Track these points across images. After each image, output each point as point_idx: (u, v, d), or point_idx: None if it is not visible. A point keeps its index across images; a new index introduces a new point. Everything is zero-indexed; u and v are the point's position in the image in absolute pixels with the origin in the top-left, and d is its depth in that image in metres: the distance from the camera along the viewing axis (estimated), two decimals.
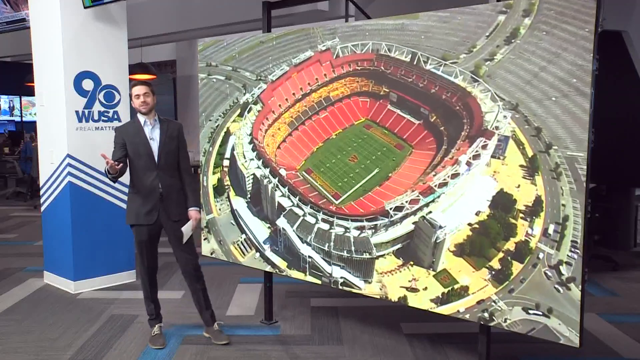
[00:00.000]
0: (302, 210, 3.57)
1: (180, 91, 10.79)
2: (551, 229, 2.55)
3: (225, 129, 4.08)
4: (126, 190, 5.02)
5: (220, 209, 4.13)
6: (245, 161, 3.93)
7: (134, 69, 9.07)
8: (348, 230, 3.33)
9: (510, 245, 2.67)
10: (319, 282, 3.53)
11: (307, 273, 3.59)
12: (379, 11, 5.84)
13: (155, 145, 3.66)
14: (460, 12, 2.81)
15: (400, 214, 3.07)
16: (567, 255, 2.51)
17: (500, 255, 2.70)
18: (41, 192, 5.14)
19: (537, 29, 2.53)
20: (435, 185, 2.91)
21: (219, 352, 3.63)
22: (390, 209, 3.11)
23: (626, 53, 4.90)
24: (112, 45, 5.00)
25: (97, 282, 4.95)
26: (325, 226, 3.45)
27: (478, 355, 3.09)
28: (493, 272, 2.74)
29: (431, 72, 2.92)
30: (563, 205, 2.51)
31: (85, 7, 4.74)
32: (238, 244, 4.03)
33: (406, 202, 3.04)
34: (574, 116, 2.46)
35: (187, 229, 3.64)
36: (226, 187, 4.09)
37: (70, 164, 4.78)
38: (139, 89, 3.63)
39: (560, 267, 2.54)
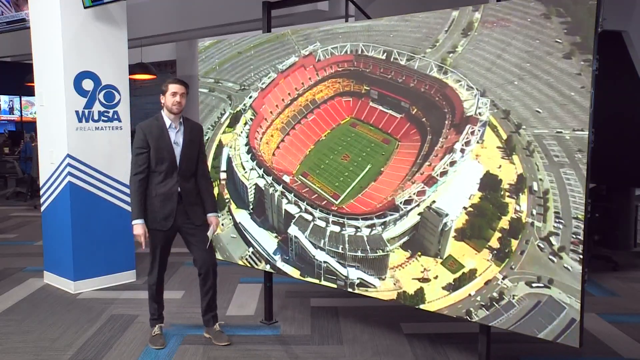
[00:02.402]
0: (312, 215, 3.57)
1: None
2: (535, 203, 2.67)
3: (216, 142, 4.09)
4: (126, 190, 5.05)
5: (223, 224, 4.11)
6: (246, 172, 3.92)
7: (134, 69, 9.08)
8: (359, 230, 3.34)
9: (504, 223, 2.77)
10: (335, 286, 3.50)
11: (322, 278, 3.57)
12: (379, 11, 5.84)
13: (178, 150, 3.56)
14: (420, 13, 3.05)
15: (409, 207, 3.10)
16: (553, 226, 2.62)
17: (498, 234, 2.79)
18: (41, 192, 5.14)
19: (487, 22, 2.76)
20: (437, 175, 2.99)
21: (219, 352, 3.63)
22: (400, 202, 3.14)
23: (626, 53, 4.90)
24: (112, 45, 5.00)
25: (97, 282, 4.95)
26: (337, 228, 3.45)
27: (478, 355, 3.09)
28: (494, 252, 2.81)
29: (408, 67, 3.07)
30: (540, 179, 2.65)
31: (85, 7, 4.74)
32: (246, 259, 4.00)
33: (414, 194, 3.08)
34: (532, 97, 2.64)
35: (210, 234, 3.67)
36: (226, 200, 4.08)
37: (70, 164, 4.78)
38: (177, 87, 3.50)
39: (550, 238, 2.63)
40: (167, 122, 3.56)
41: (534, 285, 2.69)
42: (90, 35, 4.85)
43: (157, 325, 3.82)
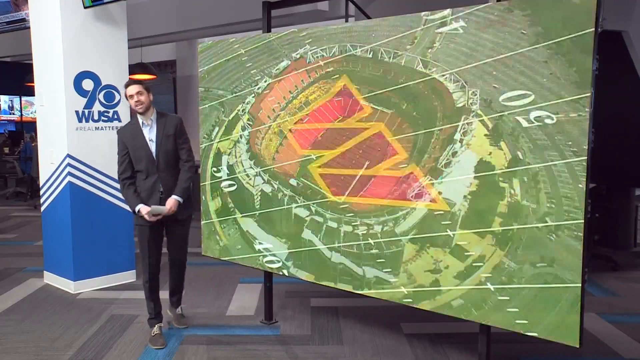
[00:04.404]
0: (322, 216, 3.54)
1: (180, 91, 10.80)
2: (527, 185, 2.75)
3: (214, 151, 4.10)
4: None
5: (229, 234, 4.09)
6: (250, 179, 3.91)
7: (134, 69, 9.07)
8: (371, 227, 3.34)
9: (502, 208, 2.83)
10: (351, 287, 3.45)
11: (338, 281, 3.53)
12: (379, 11, 5.84)
13: (154, 147, 3.69)
14: (396, 16, 3.18)
15: (420, 200, 3.13)
16: (547, 207, 2.69)
17: (499, 219, 2.84)
18: (41, 192, 5.15)
19: (461, 18, 2.89)
20: (442, 166, 3.04)
21: (219, 352, 3.64)
22: (411, 196, 3.16)
23: (626, 53, 4.90)
24: (112, 45, 5.00)
25: (97, 282, 4.95)
26: (349, 228, 3.44)
27: (478, 355, 3.09)
28: (497, 237, 2.86)
29: (396, 64, 3.16)
30: (528, 162, 2.73)
31: (85, 7, 4.74)
32: (260, 265, 3.97)
33: (423, 186, 3.12)
34: (506, 84, 2.77)
35: (155, 209, 3.63)
36: (231, 209, 4.07)
37: (70, 164, 4.78)
38: (131, 89, 3.62)
39: (546, 218, 2.69)
40: (140, 121, 3.71)
41: (538, 265, 2.72)
42: (90, 35, 4.85)
43: (156, 325, 3.83)
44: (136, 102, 3.61)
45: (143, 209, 3.63)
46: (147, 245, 3.74)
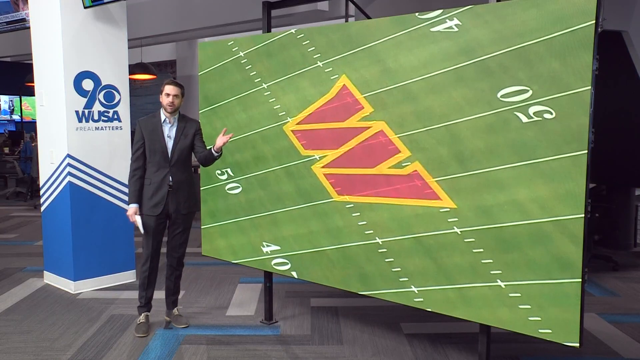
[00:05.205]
0: (328, 217, 3.51)
1: None
2: (528, 182, 2.77)
3: None
4: (126, 190, 5.05)
5: (234, 237, 4.10)
6: (253, 181, 3.93)
7: (134, 69, 9.09)
8: (378, 227, 3.32)
9: (506, 204, 2.84)
10: (359, 288, 3.43)
11: (346, 281, 3.48)
12: (379, 11, 5.85)
13: (170, 143, 3.83)
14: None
15: (425, 198, 3.15)
16: (547, 203, 2.70)
17: (503, 215, 2.85)
18: (41, 192, 5.14)
19: (455, 17, 2.92)
20: (445, 163, 3.06)
21: (219, 352, 3.63)
22: (416, 194, 3.16)
23: (626, 53, 4.91)
24: (112, 45, 5.00)
25: (97, 282, 4.95)
26: (356, 228, 3.40)
27: (478, 355, 3.09)
28: (503, 234, 2.86)
29: (395, 63, 3.20)
30: (529, 159, 2.75)
31: (85, 7, 4.74)
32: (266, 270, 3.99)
33: (428, 184, 3.12)
34: (504, 80, 2.81)
35: (139, 225, 3.81)
36: (235, 212, 4.08)
37: (70, 164, 4.78)
38: (170, 89, 3.78)
39: (546, 215, 2.69)
40: (163, 117, 3.85)
41: (541, 262, 2.72)
42: (90, 35, 4.85)
43: (142, 314, 3.90)
44: (170, 102, 3.77)
45: (131, 209, 3.81)
46: (152, 236, 3.84)
